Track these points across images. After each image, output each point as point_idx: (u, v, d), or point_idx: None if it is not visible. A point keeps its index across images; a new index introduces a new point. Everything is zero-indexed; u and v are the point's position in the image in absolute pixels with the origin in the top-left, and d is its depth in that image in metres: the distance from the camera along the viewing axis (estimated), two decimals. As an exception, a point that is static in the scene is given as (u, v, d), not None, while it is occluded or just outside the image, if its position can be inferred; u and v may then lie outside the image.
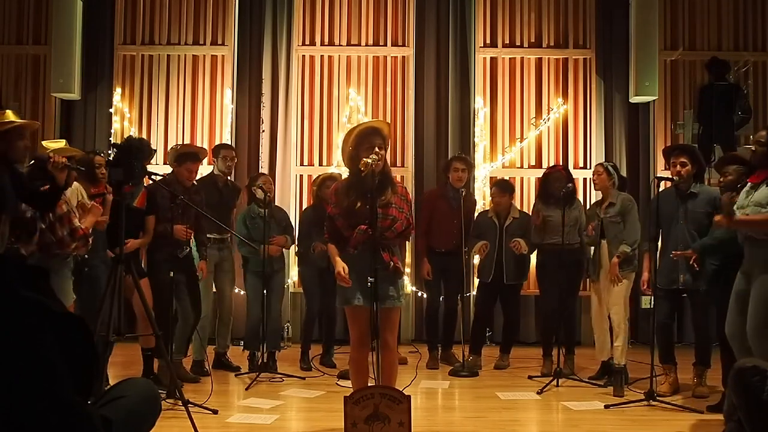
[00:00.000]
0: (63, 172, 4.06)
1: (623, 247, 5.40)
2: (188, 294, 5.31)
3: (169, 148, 6.61)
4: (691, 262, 4.94)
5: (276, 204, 6.49)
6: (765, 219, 3.94)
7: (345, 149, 3.99)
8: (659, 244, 5.27)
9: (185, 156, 5.42)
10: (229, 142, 7.19)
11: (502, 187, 6.26)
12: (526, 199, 7.38)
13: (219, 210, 5.62)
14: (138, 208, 5.00)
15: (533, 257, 6.29)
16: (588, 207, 6.36)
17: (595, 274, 5.66)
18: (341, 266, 3.83)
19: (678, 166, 5.14)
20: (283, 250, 6.13)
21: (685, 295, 5.24)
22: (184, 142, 7.05)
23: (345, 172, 7.10)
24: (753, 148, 4.24)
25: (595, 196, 7.19)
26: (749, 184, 4.20)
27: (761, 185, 4.06)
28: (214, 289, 5.92)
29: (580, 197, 7.04)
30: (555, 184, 5.92)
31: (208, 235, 5.68)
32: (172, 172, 5.49)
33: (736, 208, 4.15)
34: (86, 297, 4.57)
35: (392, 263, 3.83)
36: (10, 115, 3.96)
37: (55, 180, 4.03)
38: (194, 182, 5.56)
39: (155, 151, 6.62)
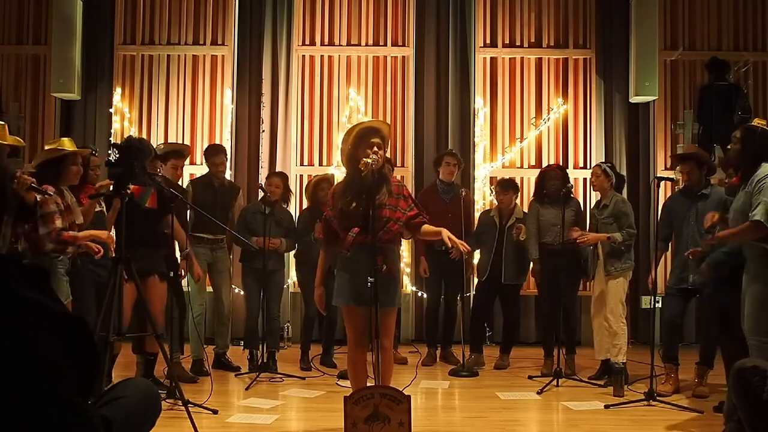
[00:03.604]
0: (29, 193, 3.93)
1: (616, 234, 5.42)
2: (173, 293, 5.32)
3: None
4: (692, 258, 4.96)
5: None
6: (739, 230, 3.94)
7: (344, 149, 3.96)
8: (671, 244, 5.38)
9: (168, 154, 5.53)
10: (230, 142, 7.19)
11: (503, 186, 6.27)
12: (526, 199, 7.38)
13: (213, 210, 5.59)
14: (152, 210, 4.91)
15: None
16: (588, 208, 6.39)
17: (592, 274, 5.68)
18: (320, 291, 4.10)
19: (685, 174, 5.23)
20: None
21: (697, 295, 5.26)
22: (167, 141, 7.04)
23: (343, 173, 7.14)
24: (728, 147, 4.26)
25: (595, 196, 7.19)
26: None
27: (739, 189, 4.09)
28: (210, 289, 5.93)
29: (581, 197, 7.05)
30: (551, 183, 5.93)
31: (201, 235, 5.74)
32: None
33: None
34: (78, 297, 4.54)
35: (384, 266, 3.76)
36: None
37: (24, 201, 3.90)
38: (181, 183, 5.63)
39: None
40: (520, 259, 6.12)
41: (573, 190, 6.15)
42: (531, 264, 6.06)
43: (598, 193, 5.94)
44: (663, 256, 5.67)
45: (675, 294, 5.23)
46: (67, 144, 4.38)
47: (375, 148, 3.78)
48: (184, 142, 7.39)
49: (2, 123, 4.20)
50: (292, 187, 7.38)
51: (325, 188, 6.09)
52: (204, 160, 6.18)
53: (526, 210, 6.66)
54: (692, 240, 5.12)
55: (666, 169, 7.36)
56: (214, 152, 6.07)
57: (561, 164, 6.76)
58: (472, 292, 7.01)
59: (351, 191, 3.84)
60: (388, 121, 7.47)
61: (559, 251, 5.65)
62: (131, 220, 4.07)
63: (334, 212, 3.90)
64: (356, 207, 3.78)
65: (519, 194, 6.51)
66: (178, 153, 5.62)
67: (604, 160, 7.25)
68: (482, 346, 6.25)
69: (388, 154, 4.42)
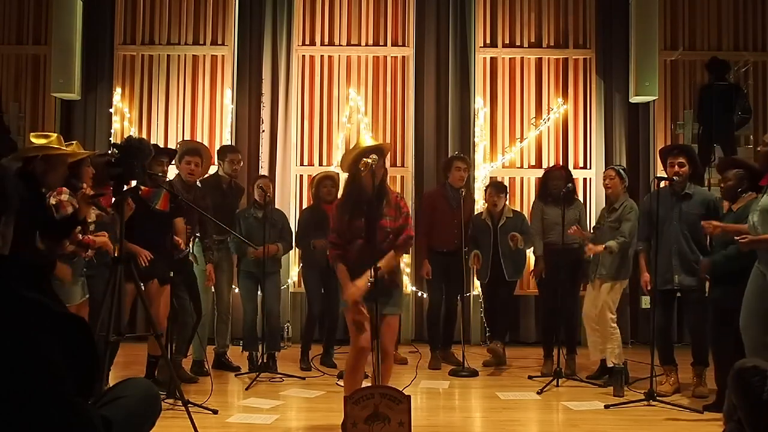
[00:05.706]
0: (90, 206, 4.09)
1: (611, 242, 5.37)
2: (188, 295, 5.32)
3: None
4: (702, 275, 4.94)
5: (276, 206, 6.46)
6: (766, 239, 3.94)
7: (345, 162, 4.07)
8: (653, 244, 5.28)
9: (184, 152, 5.50)
10: (229, 142, 7.19)
11: (498, 188, 6.28)
12: (526, 199, 7.38)
13: (221, 211, 5.62)
14: (163, 213, 4.85)
15: (532, 256, 6.30)
16: (589, 209, 6.36)
17: (591, 277, 5.64)
18: (354, 292, 3.81)
19: (676, 166, 5.12)
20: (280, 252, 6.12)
21: (679, 294, 5.20)
22: (184, 139, 7.05)
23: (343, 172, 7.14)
24: (759, 149, 4.24)
25: (596, 196, 7.19)
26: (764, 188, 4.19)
27: (766, 190, 4.07)
28: (213, 289, 5.92)
29: (580, 197, 7.03)
30: (554, 183, 5.92)
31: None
32: (177, 174, 5.52)
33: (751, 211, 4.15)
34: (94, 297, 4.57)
35: (385, 275, 3.83)
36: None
37: (78, 212, 4.05)
38: (199, 185, 5.59)
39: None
40: (515, 257, 6.15)
41: (575, 190, 6.12)
42: (534, 261, 6.06)
43: (600, 195, 5.84)
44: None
45: (660, 297, 5.15)
46: (77, 146, 4.48)
47: (374, 156, 3.87)
48: (184, 139, 7.37)
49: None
50: (291, 187, 7.42)
51: (328, 185, 6.09)
52: (216, 159, 6.14)
53: (525, 211, 6.67)
54: (675, 240, 5.04)
55: (664, 168, 7.35)
56: (231, 149, 6.11)
57: (563, 164, 6.76)
58: (473, 293, 7.01)
59: (351, 204, 3.93)
60: (388, 121, 7.50)
61: (561, 251, 5.64)
62: (141, 222, 4.10)
63: (341, 225, 3.94)
64: (359, 218, 3.88)
65: (508, 195, 6.52)
66: (192, 151, 5.51)
67: (605, 161, 7.26)
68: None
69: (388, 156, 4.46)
